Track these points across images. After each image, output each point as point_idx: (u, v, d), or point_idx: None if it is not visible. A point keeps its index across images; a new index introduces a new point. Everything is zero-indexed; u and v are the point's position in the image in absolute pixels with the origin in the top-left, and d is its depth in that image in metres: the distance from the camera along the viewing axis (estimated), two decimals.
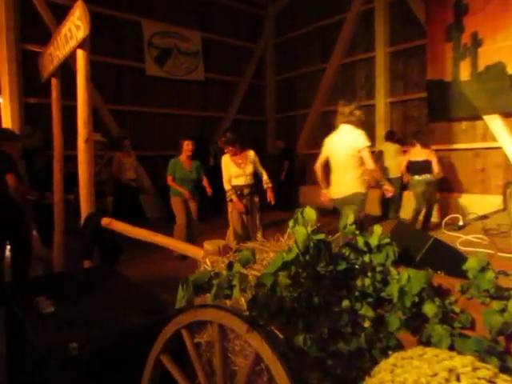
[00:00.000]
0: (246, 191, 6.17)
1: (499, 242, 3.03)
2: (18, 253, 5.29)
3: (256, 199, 6.29)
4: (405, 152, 8.92)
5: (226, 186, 6.14)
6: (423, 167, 8.02)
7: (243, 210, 6.08)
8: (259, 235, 6.12)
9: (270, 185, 6.36)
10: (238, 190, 6.12)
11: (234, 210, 6.12)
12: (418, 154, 8.13)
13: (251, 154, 6.26)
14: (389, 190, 5.23)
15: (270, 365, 1.46)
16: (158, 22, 11.71)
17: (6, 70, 8.93)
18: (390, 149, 9.51)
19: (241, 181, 6.15)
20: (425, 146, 8.18)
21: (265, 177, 6.33)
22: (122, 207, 7.84)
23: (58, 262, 5.99)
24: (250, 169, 6.18)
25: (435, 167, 7.91)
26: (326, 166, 5.57)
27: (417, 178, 8.07)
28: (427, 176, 7.97)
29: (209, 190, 7.34)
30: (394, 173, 9.27)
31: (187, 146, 7.12)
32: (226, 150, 6.19)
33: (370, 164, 5.07)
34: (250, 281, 1.75)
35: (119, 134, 9.19)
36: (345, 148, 5.14)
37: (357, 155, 5.07)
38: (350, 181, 5.12)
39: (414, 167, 8.13)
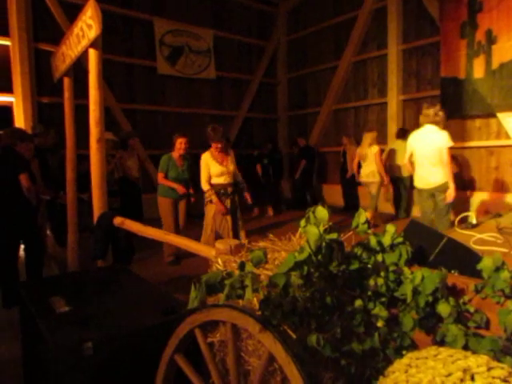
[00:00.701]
0: (230, 190, 6.00)
1: None
2: (31, 252, 5.34)
3: (236, 198, 6.14)
4: None
5: (205, 186, 5.88)
6: None
7: (225, 211, 5.84)
8: (243, 234, 6.13)
9: (245, 185, 6.31)
10: (221, 188, 5.92)
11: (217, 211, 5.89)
12: None
13: (231, 152, 6.19)
14: (451, 195, 5.76)
15: (284, 365, 1.46)
16: (169, 20, 11.72)
17: (18, 69, 8.99)
18: (401, 147, 9.26)
19: (225, 179, 5.97)
20: None
21: (239, 177, 6.28)
22: (127, 205, 7.71)
23: (72, 262, 6.02)
24: (232, 167, 6.05)
25: None
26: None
27: None
28: None
29: (191, 191, 7.00)
30: (406, 171, 9.21)
31: (180, 145, 6.74)
32: (214, 147, 5.98)
33: (446, 162, 5.73)
34: (263, 281, 1.75)
35: (125, 133, 9.16)
36: (433, 146, 5.78)
37: (443, 151, 5.76)
38: (440, 173, 5.79)
39: None
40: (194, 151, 11.40)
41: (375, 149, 8.59)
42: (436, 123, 5.87)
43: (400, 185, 9.67)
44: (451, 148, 5.96)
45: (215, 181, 5.92)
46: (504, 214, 4.22)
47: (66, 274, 5.17)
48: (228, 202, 5.99)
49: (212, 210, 5.91)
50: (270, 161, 11.19)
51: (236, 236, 5.97)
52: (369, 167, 8.68)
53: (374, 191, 8.67)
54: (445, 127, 5.96)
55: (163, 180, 6.68)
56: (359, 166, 9.20)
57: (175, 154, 6.80)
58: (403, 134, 9.52)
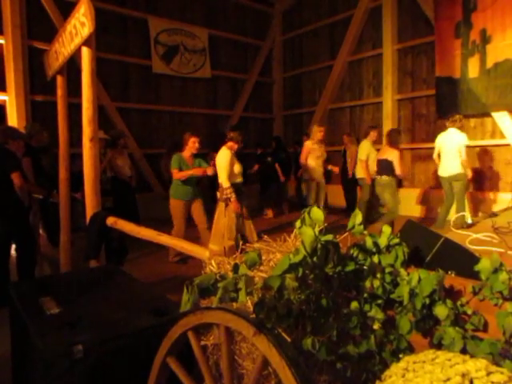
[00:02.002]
0: (243, 189, 6.04)
1: (509, 240, 2.98)
2: (23, 252, 5.28)
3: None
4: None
5: (226, 183, 5.79)
6: (384, 167, 7.54)
7: (240, 210, 5.82)
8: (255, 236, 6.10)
9: None
10: (237, 188, 5.90)
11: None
12: (384, 152, 7.68)
13: None
14: (469, 176, 7.43)
15: (278, 369, 1.43)
16: (164, 19, 11.71)
17: (11, 67, 8.93)
18: (362, 147, 8.80)
19: (240, 178, 6.02)
20: (392, 144, 7.64)
21: None
22: (119, 205, 7.55)
23: (64, 262, 5.97)
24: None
25: (396, 168, 7.43)
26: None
27: (376, 178, 7.74)
28: (381, 177, 7.54)
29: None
30: (361, 173, 8.69)
31: (193, 144, 6.53)
32: (235, 147, 6.01)
33: (463, 156, 7.31)
34: (257, 283, 1.72)
35: (115, 132, 9.01)
36: (456, 143, 7.38)
37: (461, 148, 7.35)
38: (458, 164, 7.38)
39: (378, 166, 7.72)
40: None
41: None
42: (459, 128, 7.52)
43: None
44: None
45: (233, 180, 5.89)
46: (499, 213, 4.21)
47: (58, 275, 5.12)
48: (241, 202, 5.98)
49: (231, 208, 5.87)
50: (275, 159, 10.96)
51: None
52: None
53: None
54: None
55: (179, 173, 6.46)
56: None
57: (186, 154, 6.63)
58: (367, 132, 9.04)
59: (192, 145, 6.58)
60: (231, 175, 5.86)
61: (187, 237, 6.42)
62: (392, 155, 7.47)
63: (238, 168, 5.90)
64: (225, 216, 5.90)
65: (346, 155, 10.32)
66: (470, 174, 7.41)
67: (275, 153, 11.09)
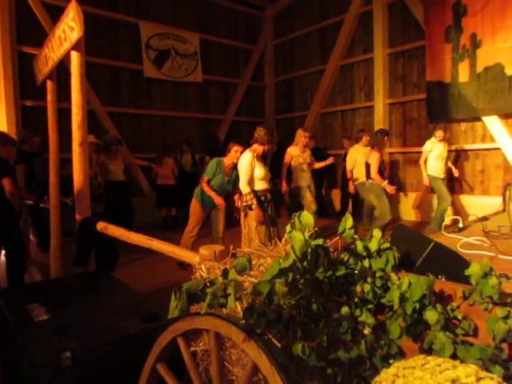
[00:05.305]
0: (269, 196, 5.48)
1: (500, 244, 2.99)
2: (12, 258, 5.23)
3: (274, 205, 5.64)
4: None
5: (246, 189, 5.27)
6: (367, 170, 7.48)
7: (262, 219, 5.24)
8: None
9: None
10: (262, 195, 5.38)
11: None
12: (368, 155, 7.62)
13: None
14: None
15: (268, 375, 1.42)
16: (155, 23, 11.68)
17: (1, 72, 8.85)
18: (357, 152, 8.56)
19: (266, 184, 5.46)
20: (373, 146, 7.57)
21: None
22: (112, 210, 7.46)
23: (54, 267, 5.92)
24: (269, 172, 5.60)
25: (371, 170, 7.35)
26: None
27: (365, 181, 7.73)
28: (366, 181, 7.54)
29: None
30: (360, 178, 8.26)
31: (235, 153, 6.05)
32: (261, 148, 5.45)
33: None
34: (247, 288, 1.71)
35: (109, 137, 8.96)
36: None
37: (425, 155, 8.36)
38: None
39: (365, 170, 7.67)
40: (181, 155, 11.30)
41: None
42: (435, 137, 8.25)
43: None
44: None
45: (258, 186, 5.39)
46: (490, 217, 4.23)
47: (47, 281, 5.08)
48: (269, 209, 5.48)
49: (254, 218, 5.31)
50: (274, 161, 10.81)
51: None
52: None
53: None
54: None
55: (206, 186, 6.19)
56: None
57: (227, 161, 6.25)
58: (359, 136, 8.94)
59: (234, 154, 6.13)
60: (252, 180, 5.36)
61: (199, 239, 6.34)
62: (370, 158, 7.40)
63: (262, 173, 5.36)
64: (244, 227, 5.45)
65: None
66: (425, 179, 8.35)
67: (276, 156, 10.98)
